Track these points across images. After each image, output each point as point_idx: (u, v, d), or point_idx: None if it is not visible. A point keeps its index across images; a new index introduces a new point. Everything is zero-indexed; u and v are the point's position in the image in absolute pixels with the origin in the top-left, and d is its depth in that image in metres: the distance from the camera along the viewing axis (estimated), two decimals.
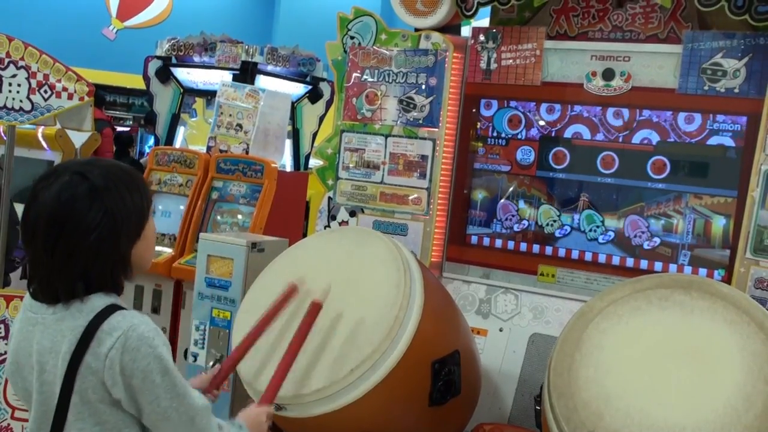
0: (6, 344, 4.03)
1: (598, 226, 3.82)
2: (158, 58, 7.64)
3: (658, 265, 3.68)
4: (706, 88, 3.53)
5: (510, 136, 4.04)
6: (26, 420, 2.07)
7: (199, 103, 8.52)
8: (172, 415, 1.96)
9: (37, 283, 2.00)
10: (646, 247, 3.73)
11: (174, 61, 7.61)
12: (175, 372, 1.97)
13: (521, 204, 4.01)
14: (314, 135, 8.17)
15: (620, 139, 3.78)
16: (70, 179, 1.94)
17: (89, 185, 1.93)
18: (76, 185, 1.93)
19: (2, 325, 3.96)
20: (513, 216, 4.02)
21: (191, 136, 8.73)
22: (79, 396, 1.90)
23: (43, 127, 6.09)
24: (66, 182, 1.94)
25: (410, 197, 4.05)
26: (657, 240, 3.70)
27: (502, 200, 4.06)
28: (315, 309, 2.79)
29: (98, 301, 1.94)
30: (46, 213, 1.93)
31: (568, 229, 3.89)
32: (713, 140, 3.59)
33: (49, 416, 1.94)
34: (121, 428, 1.96)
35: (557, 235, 3.91)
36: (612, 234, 3.79)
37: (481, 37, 4.01)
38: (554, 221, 3.92)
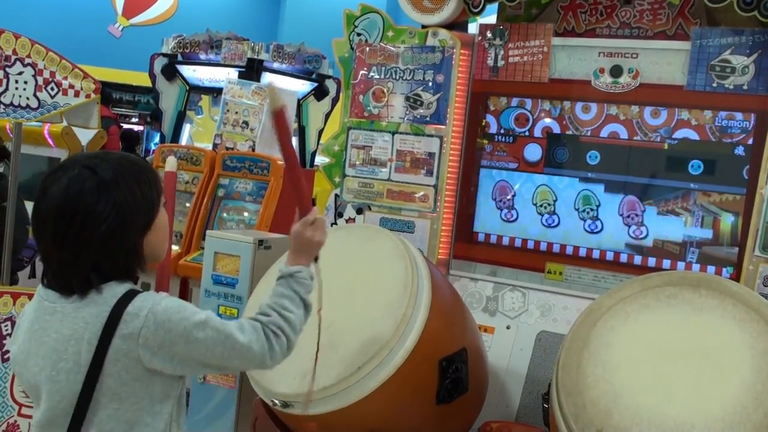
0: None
1: (592, 209, 3.80)
2: (164, 55, 7.63)
3: (666, 263, 3.67)
4: (714, 84, 3.51)
5: (517, 133, 4.03)
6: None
7: (204, 100, 8.52)
8: (231, 354, 1.99)
9: (51, 276, 2.01)
10: (653, 244, 3.71)
11: (180, 58, 7.61)
12: (210, 318, 1.99)
13: (527, 202, 4.00)
14: (320, 132, 8.17)
15: (628, 136, 3.76)
16: (79, 173, 1.95)
17: (98, 179, 1.94)
18: (84, 179, 1.93)
19: (9, 323, 3.95)
20: (519, 214, 4.02)
21: (197, 134, 8.74)
22: (114, 379, 1.91)
23: (49, 124, 6.10)
24: (74, 176, 1.94)
25: (417, 194, 4.04)
26: (665, 237, 3.69)
27: (509, 197, 4.05)
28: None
29: (118, 288, 1.95)
30: (55, 206, 1.93)
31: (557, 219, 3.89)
32: (722, 137, 3.57)
33: (65, 405, 1.93)
34: (154, 402, 1.97)
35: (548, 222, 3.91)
36: (619, 234, 3.78)
37: (489, 34, 4.00)
38: (549, 204, 3.91)
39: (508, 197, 4.04)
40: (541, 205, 3.96)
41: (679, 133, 3.66)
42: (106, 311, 1.91)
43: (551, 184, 3.94)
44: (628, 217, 3.77)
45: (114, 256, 1.95)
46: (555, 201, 3.93)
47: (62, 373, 1.94)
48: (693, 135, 3.63)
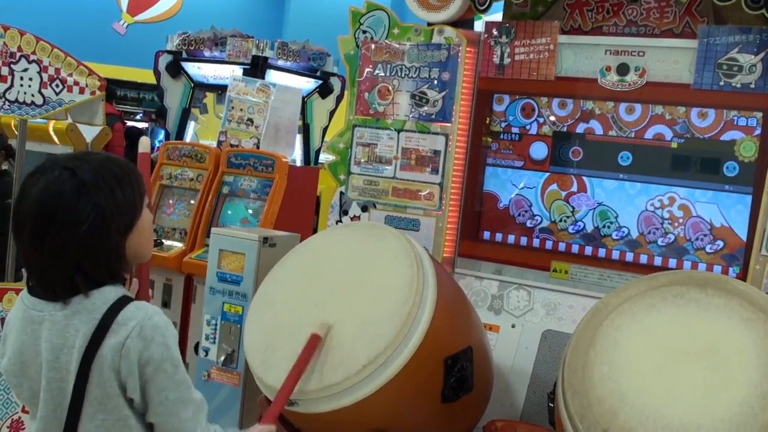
0: None
1: (612, 222, 3.79)
2: (169, 52, 7.64)
3: (672, 262, 3.66)
4: (721, 83, 3.49)
5: (523, 131, 4.02)
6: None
7: (209, 97, 8.51)
8: (179, 410, 1.96)
9: (34, 279, 1.98)
10: (660, 243, 3.70)
11: (184, 55, 7.61)
12: (183, 367, 1.99)
13: (534, 200, 3.99)
14: (324, 130, 8.17)
15: (634, 135, 3.75)
16: (58, 174, 1.92)
17: (77, 181, 1.91)
18: (63, 181, 1.91)
19: None
20: (526, 212, 4.00)
21: (201, 131, 8.74)
22: (101, 390, 1.89)
23: (53, 121, 6.09)
24: (54, 178, 1.92)
25: (422, 192, 4.03)
26: (671, 237, 3.68)
27: (514, 196, 4.04)
28: (314, 341, 2.83)
29: (110, 294, 1.93)
30: (33, 209, 1.91)
31: (582, 225, 3.87)
32: (728, 136, 3.56)
33: (60, 413, 1.92)
34: (141, 426, 1.96)
35: (570, 231, 3.89)
36: (626, 230, 3.77)
37: (495, 32, 3.98)
38: (567, 217, 3.89)
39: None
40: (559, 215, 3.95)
41: (686, 132, 3.64)
42: (96, 318, 1.89)
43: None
44: (635, 216, 3.76)
45: (95, 257, 1.92)
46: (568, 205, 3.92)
47: (53, 383, 1.92)
48: (699, 134, 3.61)
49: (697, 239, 3.62)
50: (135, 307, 1.92)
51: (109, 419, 1.91)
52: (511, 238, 4.03)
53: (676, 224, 3.67)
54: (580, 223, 3.88)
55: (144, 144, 2.87)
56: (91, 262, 1.93)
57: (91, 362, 1.88)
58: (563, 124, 3.92)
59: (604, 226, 3.81)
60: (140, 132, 11.76)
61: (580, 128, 3.88)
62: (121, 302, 1.92)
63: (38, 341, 1.95)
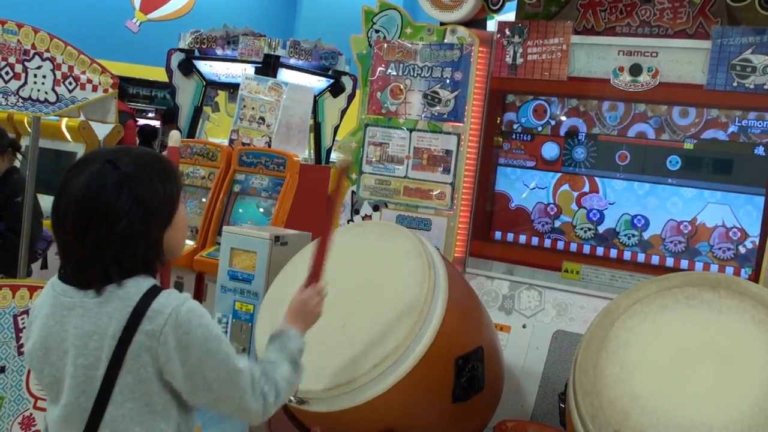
0: None
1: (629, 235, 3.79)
2: (181, 50, 7.64)
3: (684, 263, 3.64)
4: (735, 84, 3.48)
5: (535, 131, 4.01)
6: None
7: (221, 95, 8.52)
8: (234, 380, 1.98)
9: (70, 270, 1.99)
10: (672, 244, 3.69)
11: (197, 53, 7.62)
12: (226, 341, 2.00)
13: (546, 200, 3.98)
14: (336, 129, 8.16)
15: (646, 136, 3.74)
16: (100, 167, 1.93)
17: (120, 173, 1.93)
18: (106, 173, 1.92)
19: (26, 316, 3.96)
20: (535, 210, 4.00)
21: (211, 129, 8.75)
22: (133, 376, 1.90)
23: (66, 118, 6.12)
24: (96, 170, 1.93)
25: (434, 192, 4.03)
26: (683, 238, 3.67)
27: (525, 196, 4.04)
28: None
29: (143, 282, 1.94)
30: (76, 202, 1.92)
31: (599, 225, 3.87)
32: (741, 137, 3.54)
33: (84, 400, 1.93)
34: (168, 409, 1.97)
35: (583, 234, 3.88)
36: (638, 231, 3.76)
37: (507, 32, 3.98)
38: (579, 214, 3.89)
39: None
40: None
41: (699, 133, 3.63)
42: (130, 306, 1.90)
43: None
44: (645, 216, 3.75)
45: (134, 250, 1.94)
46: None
47: (80, 369, 1.93)
48: (712, 135, 3.60)
49: (708, 240, 3.61)
50: (168, 294, 1.94)
51: (136, 407, 1.92)
52: (522, 238, 4.03)
53: (687, 225, 3.65)
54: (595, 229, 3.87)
55: (174, 138, 2.87)
56: (130, 255, 1.94)
57: (126, 348, 1.89)
58: (576, 125, 3.91)
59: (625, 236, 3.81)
60: (154, 130, 11.78)
61: (593, 128, 3.87)
62: (154, 290, 1.94)
63: (65, 327, 1.96)
